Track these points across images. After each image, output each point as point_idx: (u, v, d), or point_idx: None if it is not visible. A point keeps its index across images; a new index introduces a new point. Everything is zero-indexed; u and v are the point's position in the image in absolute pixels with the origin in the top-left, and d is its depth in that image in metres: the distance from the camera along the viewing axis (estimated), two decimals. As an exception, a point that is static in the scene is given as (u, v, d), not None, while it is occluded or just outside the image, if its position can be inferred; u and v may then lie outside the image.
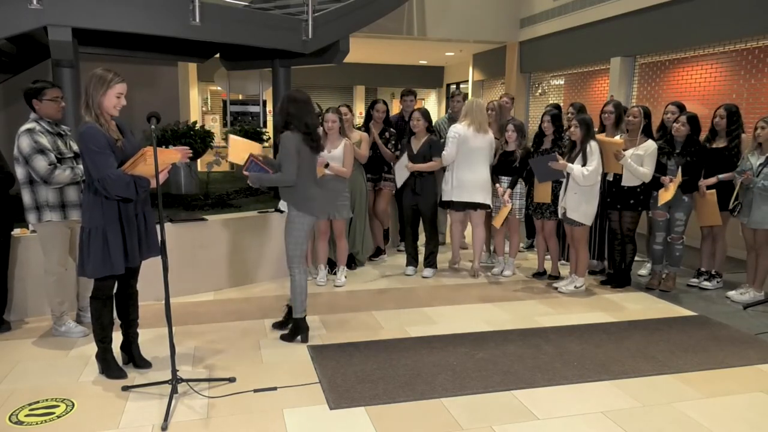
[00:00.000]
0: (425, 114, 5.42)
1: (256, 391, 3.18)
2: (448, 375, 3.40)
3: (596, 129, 5.13)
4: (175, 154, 3.20)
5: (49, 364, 3.52)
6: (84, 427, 2.82)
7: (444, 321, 4.34)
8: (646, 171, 4.78)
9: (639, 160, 4.79)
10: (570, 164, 4.73)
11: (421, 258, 5.66)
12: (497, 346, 3.85)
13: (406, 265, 5.65)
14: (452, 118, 6.06)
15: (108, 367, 3.34)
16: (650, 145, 4.81)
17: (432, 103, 15.69)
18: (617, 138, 4.95)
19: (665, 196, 4.79)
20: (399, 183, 5.50)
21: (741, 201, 4.74)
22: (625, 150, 4.83)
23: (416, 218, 5.56)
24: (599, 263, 5.62)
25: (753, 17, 5.95)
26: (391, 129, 5.84)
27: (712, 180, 4.87)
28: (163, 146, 5.89)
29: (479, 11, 9.84)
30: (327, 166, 4.82)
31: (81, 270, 3.15)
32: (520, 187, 5.35)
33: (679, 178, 4.75)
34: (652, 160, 4.80)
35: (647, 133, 4.89)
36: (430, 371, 3.45)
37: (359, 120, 8.63)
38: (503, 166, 5.34)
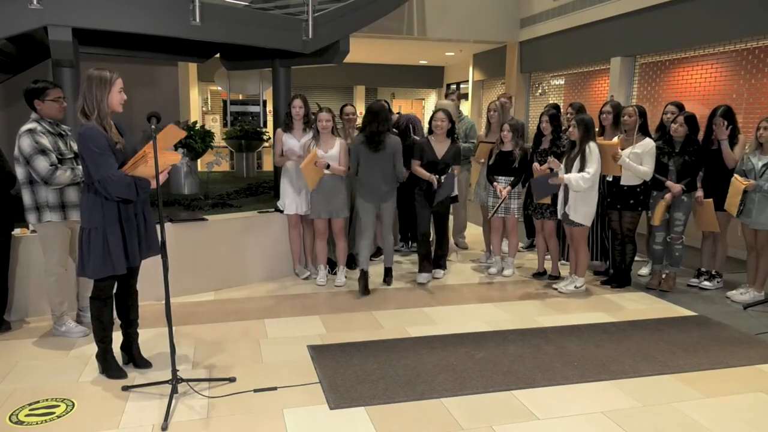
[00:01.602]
0: (450, 115, 5.13)
1: (256, 391, 3.19)
2: (448, 375, 3.40)
3: (596, 129, 5.14)
4: (175, 156, 3.19)
5: (49, 364, 3.52)
6: (84, 427, 2.82)
7: (444, 321, 4.34)
8: (647, 169, 4.78)
9: (638, 159, 4.80)
10: (567, 176, 4.71)
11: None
12: (497, 346, 3.85)
13: (420, 272, 5.31)
14: None
15: (108, 367, 3.34)
16: (648, 143, 4.81)
17: (432, 104, 15.69)
18: (615, 139, 4.96)
19: (657, 215, 4.87)
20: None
21: (743, 202, 4.73)
22: (622, 149, 4.84)
23: (430, 221, 5.34)
24: (602, 263, 5.62)
25: (753, 17, 5.95)
26: (394, 129, 5.83)
27: (700, 193, 4.90)
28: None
29: (479, 11, 9.84)
30: (328, 167, 4.82)
31: (81, 271, 3.15)
32: (518, 187, 5.35)
33: (669, 199, 4.81)
34: (651, 158, 4.80)
35: (644, 132, 4.89)
36: (430, 371, 3.45)
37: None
38: (501, 166, 5.33)
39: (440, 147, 5.11)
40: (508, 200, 5.36)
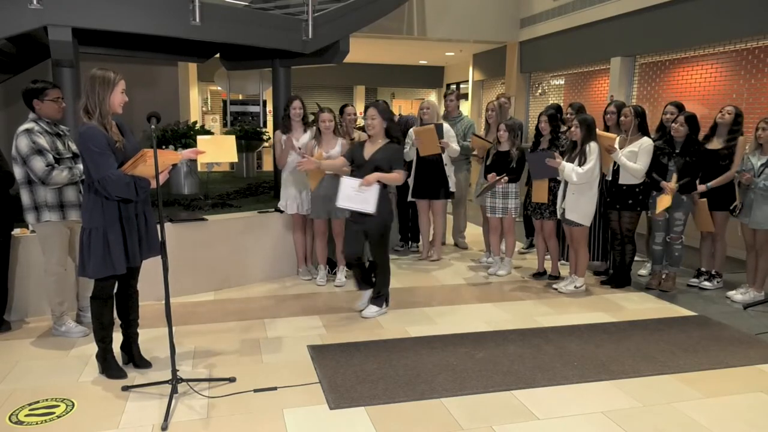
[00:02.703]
0: (384, 111, 4.26)
1: (256, 391, 3.19)
2: (448, 375, 3.40)
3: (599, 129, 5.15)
4: (175, 155, 3.19)
5: (49, 364, 3.52)
6: (84, 427, 2.82)
7: (444, 321, 4.34)
8: (638, 167, 4.79)
9: (633, 157, 4.81)
10: (564, 162, 4.73)
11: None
12: (497, 346, 3.85)
13: (369, 300, 4.45)
14: (446, 117, 6.22)
15: (108, 367, 3.34)
16: (644, 141, 4.82)
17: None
18: (616, 138, 4.98)
19: (662, 204, 4.80)
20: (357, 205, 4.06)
21: (742, 201, 4.74)
22: (621, 149, 4.85)
23: (362, 243, 4.39)
24: (602, 263, 5.62)
25: (753, 17, 5.95)
26: None
27: (702, 187, 4.89)
28: (163, 146, 5.89)
29: (479, 11, 9.84)
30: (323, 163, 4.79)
31: (82, 270, 3.15)
32: (515, 186, 5.35)
33: (673, 186, 4.74)
34: (646, 156, 4.80)
35: (643, 132, 4.90)
36: (430, 371, 3.45)
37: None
38: (499, 166, 5.33)
39: (371, 148, 4.27)
40: (505, 200, 5.36)
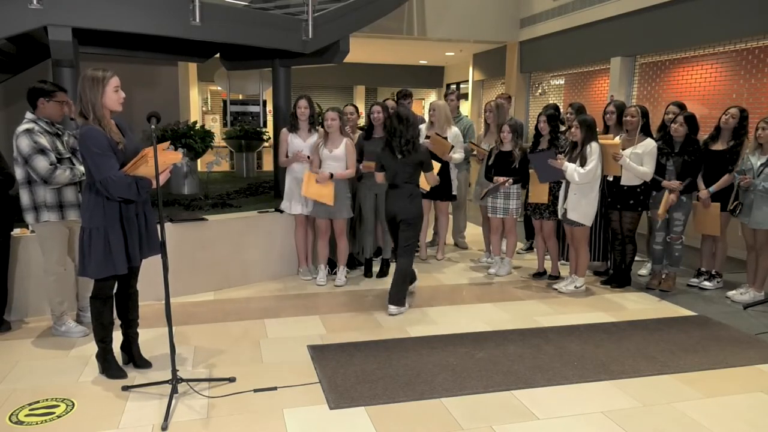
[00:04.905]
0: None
1: (256, 391, 3.19)
2: (448, 375, 3.40)
3: (599, 129, 5.13)
4: (175, 155, 3.20)
5: (49, 364, 3.52)
6: (84, 427, 2.82)
7: (444, 321, 4.34)
8: (646, 170, 4.78)
9: (638, 159, 4.80)
10: (566, 162, 4.73)
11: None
12: (497, 346, 3.85)
13: None
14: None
15: (108, 367, 3.34)
16: (649, 144, 4.82)
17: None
18: (616, 139, 4.96)
19: (666, 204, 4.80)
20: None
21: (742, 201, 4.74)
22: (623, 150, 4.84)
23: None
24: (602, 263, 5.62)
25: (753, 17, 5.95)
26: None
27: (706, 192, 4.87)
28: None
29: (479, 11, 9.84)
30: (332, 176, 4.82)
31: (82, 271, 3.14)
32: (517, 187, 5.35)
33: (674, 198, 4.77)
34: (652, 159, 4.80)
35: (646, 132, 4.89)
36: (430, 371, 3.45)
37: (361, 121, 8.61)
38: (501, 166, 5.33)
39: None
40: (506, 201, 5.36)
